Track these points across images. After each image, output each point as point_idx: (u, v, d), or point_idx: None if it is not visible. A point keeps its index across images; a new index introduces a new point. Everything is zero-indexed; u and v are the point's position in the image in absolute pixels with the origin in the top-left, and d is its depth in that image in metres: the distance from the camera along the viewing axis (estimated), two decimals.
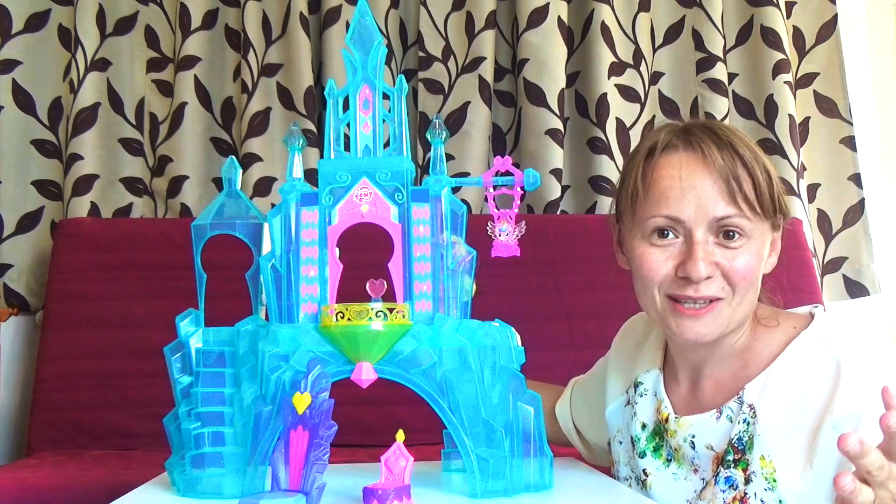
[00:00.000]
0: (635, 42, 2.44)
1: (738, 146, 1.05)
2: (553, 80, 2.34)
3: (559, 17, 2.36)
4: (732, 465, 1.05)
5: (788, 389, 1.03)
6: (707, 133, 1.07)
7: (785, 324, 1.08)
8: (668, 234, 1.06)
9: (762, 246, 1.06)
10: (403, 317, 0.99)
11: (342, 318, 0.98)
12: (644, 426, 1.17)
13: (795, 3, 2.48)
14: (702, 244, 1.03)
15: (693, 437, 1.10)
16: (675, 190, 1.04)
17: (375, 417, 1.92)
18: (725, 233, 1.04)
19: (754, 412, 1.05)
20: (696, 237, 1.03)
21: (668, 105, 2.46)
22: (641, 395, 1.19)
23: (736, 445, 1.06)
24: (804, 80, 2.47)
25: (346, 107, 1.08)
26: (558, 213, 2.37)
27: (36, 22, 2.41)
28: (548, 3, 2.35)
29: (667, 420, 1.13)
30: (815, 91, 2.47)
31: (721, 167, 1.03)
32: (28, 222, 2.38)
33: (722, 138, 1.06)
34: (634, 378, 1.21)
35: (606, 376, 1.28)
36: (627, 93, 2.42)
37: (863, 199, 2.41)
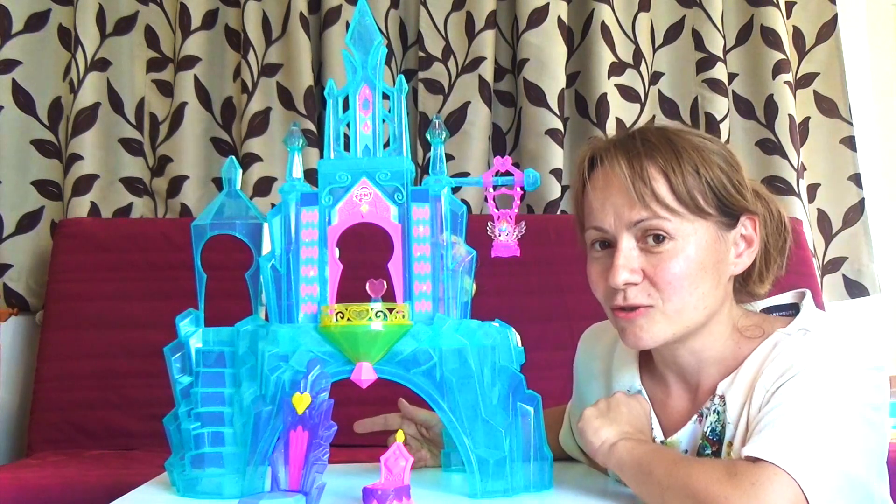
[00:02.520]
0: (635, 42, 2.44)
1: (656, 149, 1.04)
2: (553, 80, 2.34)
3: (559, 17, 2.35)
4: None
5: (750, 373, 1.04)
6: (623, 144, 1.07)
7: (769, 330, 1.07)
8: (606, 244, 1.07)
9: (701, 246, 1.04)
10: (403, 317, 0.99)
11: (342, 318, 0.98)
12: None
13: (795, 3, 2.48)
14: (624, 251, 1.03)
15: (686, 452, 1.09)
16: (596, 202, 1.06)
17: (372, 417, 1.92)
18: (654, 236, 1.03)
19: (724, 402, 1.05)
20: (619, 244, 1.04)
21: (668, 105, 2.46)
22: None
23: (710, 437, 1.06)
24: (804, 80, 2.47)
25: (346, 107, 1.08)
26: (558, 213, 2.36)
27: (36, 22, 2.41)
28: (548, 3, 2.35)
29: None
30: (815, 91, 2.46)
31: (624, 176, 1.03)
32: (28, 222, 2.37)
33: (636, 146, 1.05)
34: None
35: (584, 399, 1.25)
36: (627, 93, 2.42)
37: (863, 199, 2.41)
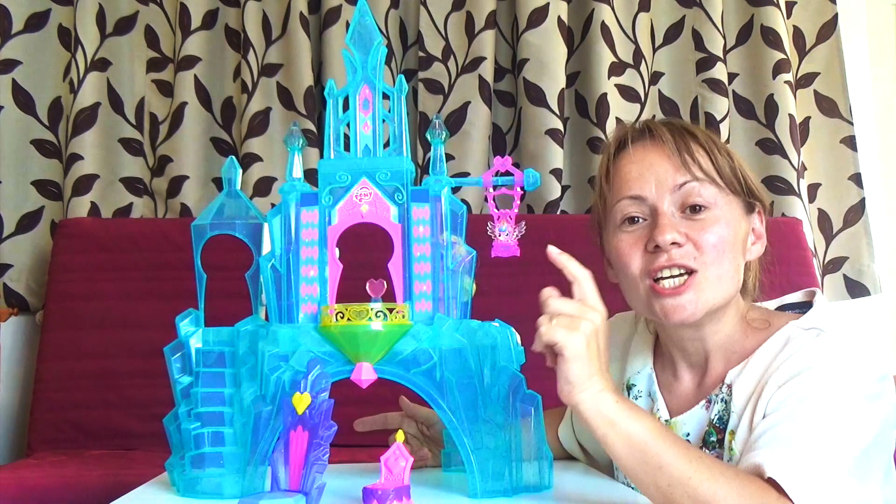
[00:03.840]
0: (635, 42, 2.44)
1: (693, 129, 1.11)
2: (553, 80, 2.34)
3: (559, 17, 2.35)
4: (717, 446, 1.07)
5: (761, 366, 1.05)
6: (662, 123, 1.13)
7: (776, 323, 1.09)
8: (637, 219, 1.09)
9: (733, 220, 1.08)
10: (403, 317, 0.99)
11: (342, 318, 0.98)
12: None
13: (795, 2, 2.48)
14: (667, 214, 1.06)
15: (688, 434, 1.10)
16: (634, 172, 1.09)
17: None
18: (691, 207, 1.06)
19: (731, 391, 1.06)
20: (661, 209, 1.07)
21: (668, 105, 2.46)
22: (636, 398, 1.18)
23: (717, 425, 1.07)
24: (804, 80, 2.47)
25: (346, 107, 1.08)
26: (558, 213, 2.36)
27: (36, 22, 2.41)
28: (548, 3, 2.35)
29: None
30: (815, 91, 2.46)
31: (672, 143, 1.08)
32: (28, 222, 2.38)
33: (675, 124, 1.12)
34: (626, 380, 1.21)
35: None
36: (627, 93, 2.41)
37: (863, 199, 2.41)
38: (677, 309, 1.06)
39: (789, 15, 2.46)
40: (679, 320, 1.07)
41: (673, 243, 1.05)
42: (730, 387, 1.07)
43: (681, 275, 1.06)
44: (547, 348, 0.95)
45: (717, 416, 1.08)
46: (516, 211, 1.07)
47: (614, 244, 1.10)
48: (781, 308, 1.16)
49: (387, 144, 1.06)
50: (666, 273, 1.06)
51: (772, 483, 0.90)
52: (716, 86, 2.38)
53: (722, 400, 1.07)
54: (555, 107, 2.33)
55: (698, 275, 1.05)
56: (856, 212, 2.41)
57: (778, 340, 1.06)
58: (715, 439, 1.07)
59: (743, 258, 1.10)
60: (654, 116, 2.43)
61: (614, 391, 0.95)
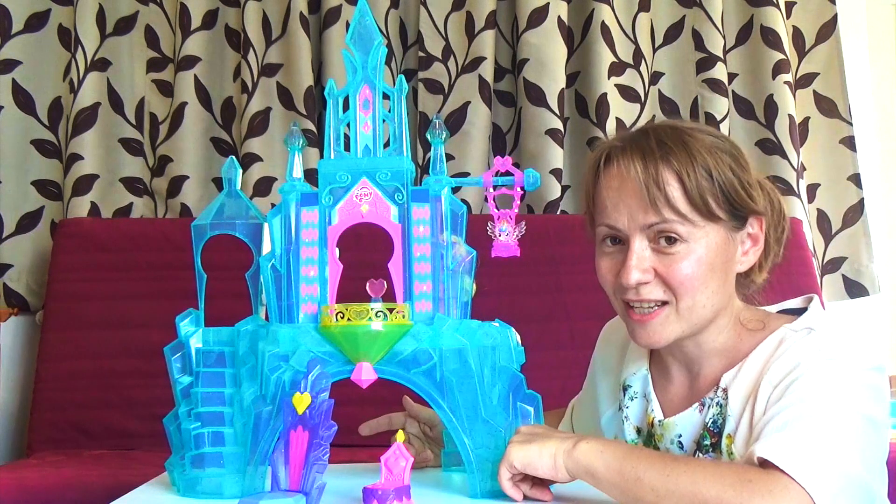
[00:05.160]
0: (635, 42, 2.44)
1: (672, 152, 1.05)
2: (553, 80, 2.34)
3: (559, 17, 2.35)
4: (711, 450, 1.07)
5: (755, 368, 1.05)
6: (638, 143, 1.07)
7: (771, 325, 1.09)
8: (617, 240, 1.08)
9: (710, 249, 1.05)
10: (403, 317, 0.99)
11: (342, 318, 0.98)
12: (639, 430, 1.17)
13: (795, 3, 2.48)
14: (636, 251, 1.05)
15: (680, 436, 1.10)
16: (611, 200, 1.07)
17: (375, 418, 1.92)
18: (666, 238, 1.04)
19: (726, 395, 1.06)
20: (632, 245, 1.05)
21: (668, 105, 2.46)
22: (632, 399, 1.19)
23: (711, 429, 1.07)
24: (804, 80, 2.47)
25: (346, 107, 1.08)
26: (558, 213, 2.37)
27: (36, 22, 2.41)
28: (548, 3, 2.35)
29: (653, 424, 1.14)
30: (814, 91, 2.46)
31: (639, 179, 1.04)
32: (28, 222, 2.38)
33: (652, 147, 1.06)
34: (623, 381, 1.21)
35: (596, 387, 1.28)
36: (627, 93, 2.42)
37: (862, 199, 2.41)
38: (643, 335, 1.07)
39: (789, 15, 2.46)
40: (645, 345, 1.09)
41: (638, 283, 1.05)
42: (725, 390, 1.06)
43: (650, 306, 1.06)
44: (520, 486, 0.99)
45: (711, 420, 1.07)
46: (516, 211, 1.07)
47: (596, 260, 1.11)
48: (781, 313, 1.16)
49: (387, 144, 1.06)
50: (636, 305, 1.07)
51: (763, 465, 0.91)
52: (716, 86, 2.39)
53: (717, 404, 1.07)
54: (555, 107, 2.33)
55: (668, 307, 1.05)
56: (855, 212, 2.41)
57: (772, 342, 1.06)
58: (709, 443, 1.07)
59: (728, 275, 1.08)
60: (654, 117, 2.44)
61: (578, 438, 0.97)
